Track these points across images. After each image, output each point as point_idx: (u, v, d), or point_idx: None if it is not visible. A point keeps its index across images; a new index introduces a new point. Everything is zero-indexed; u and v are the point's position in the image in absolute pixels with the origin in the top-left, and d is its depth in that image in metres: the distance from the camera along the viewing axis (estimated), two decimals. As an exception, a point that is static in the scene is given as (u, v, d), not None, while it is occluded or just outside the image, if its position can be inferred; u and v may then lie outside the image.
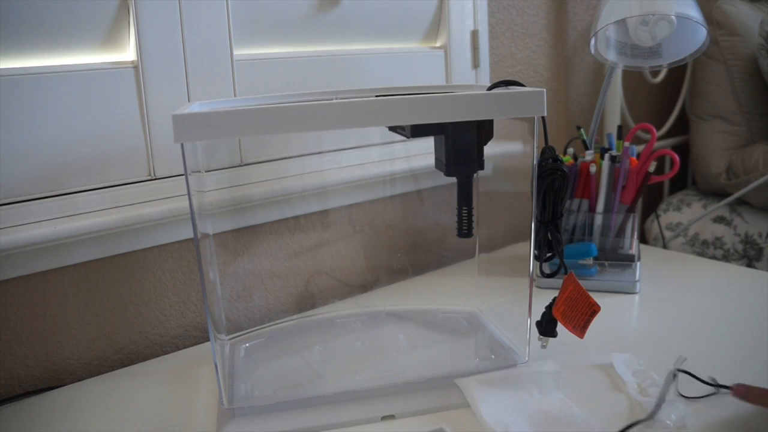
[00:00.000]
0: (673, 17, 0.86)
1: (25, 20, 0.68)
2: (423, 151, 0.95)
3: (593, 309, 0.62)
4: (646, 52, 0.95)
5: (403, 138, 0.65)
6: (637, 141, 1.36)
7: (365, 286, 0.96)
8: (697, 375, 0.62)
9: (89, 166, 0.73)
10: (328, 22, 0.89)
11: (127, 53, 0.75)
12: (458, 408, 0.61)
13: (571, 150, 0.99)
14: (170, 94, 0.77)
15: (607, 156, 0.92)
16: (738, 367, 0.66)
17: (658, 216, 1.33)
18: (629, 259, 0.93)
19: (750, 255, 1.17)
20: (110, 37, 0.74)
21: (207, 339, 0.83)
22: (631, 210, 0.93)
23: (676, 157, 0.91)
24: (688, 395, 0.60)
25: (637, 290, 0.89)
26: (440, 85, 0.97)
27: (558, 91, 1.23)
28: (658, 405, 0.57)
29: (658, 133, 1.39)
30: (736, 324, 0.75)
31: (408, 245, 1.00)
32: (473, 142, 0.63)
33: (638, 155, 0.95)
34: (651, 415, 0.56)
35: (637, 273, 0.90)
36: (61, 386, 0.71)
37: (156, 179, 0.78)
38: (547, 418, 0.57)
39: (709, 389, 0.61)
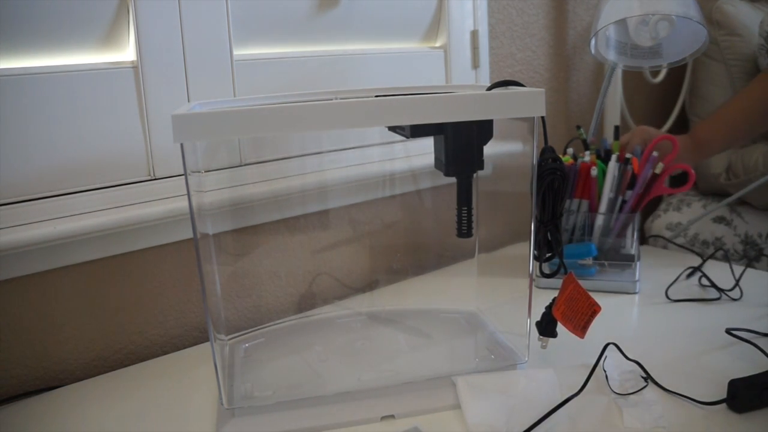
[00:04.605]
0: (673, 17, 0.86)
1: (25, 20, 0.68)
2: (423, 151, 0.95)
3: (593, 309, 0.62)
4: (646, 52, 0.95)
5: (403, 138, 0.65)
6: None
7: (365, 286, 0.96)
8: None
9: (89, 166, 0.73)
10: (328, 22, 0.89)
11: (127, 53, 0.75)
12: (457, 408, 0.61)
13: (570, 150, 0.99)
14: (170, 94, 0.77)
15: (614, 158, 0.92)
16: (738, 367, 0.66)
17: (658, 216, 1.32)
18: (629, 259, 0.93)
19: (750, 255, 1.17)
20: (110, 37, 0.74)
21: (207, 339, 0.83)
22: (633, 211, 0.93)
23: (692, 173, 0.92)
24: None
25: (637, 290, 0.89)
26: (440, 85, 0.97)
27: (558, 91, 1.23)
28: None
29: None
30: (735, 325, 0.75)
31: (408, 245, 1.00)
32: (473, 142, 0.63)
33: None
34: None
35: (637, 273, 0.90)
36: (60, 386, 0.71)
37: (156, 179, 0.78)
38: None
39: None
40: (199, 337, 0.84)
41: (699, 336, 0.74)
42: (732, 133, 1.03)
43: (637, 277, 0.89)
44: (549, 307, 0.67)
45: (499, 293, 0.81)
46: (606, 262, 0.93)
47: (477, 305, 0.82)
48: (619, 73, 1.27)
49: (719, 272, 0.91)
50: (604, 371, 0.65)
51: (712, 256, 1.01)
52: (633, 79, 1.34)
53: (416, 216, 1.00)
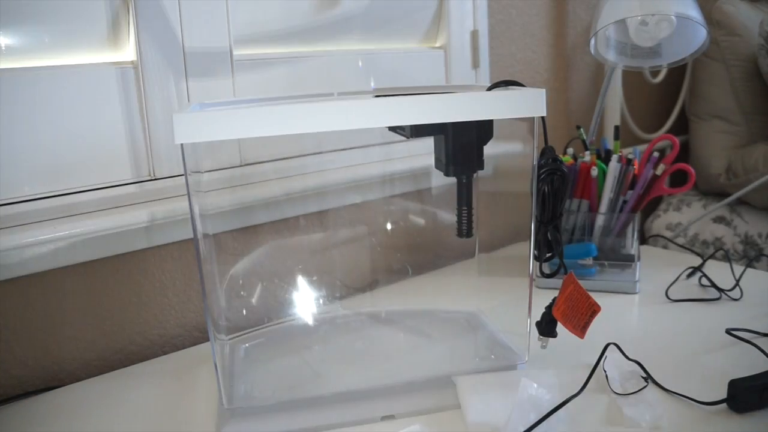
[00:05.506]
0: (673, 17, 0.86)
1: (26, 20, 0.68)
2: (423, 151, 0.95)
3: (593, 309, 0.62)
4: (646, 52, 0.95)
5: (403, 138, 0.65)
6: (636, 141, 1.36)
7: (365, 286, 0.96)
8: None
9: (89, 166, 0.73)
10: (328, 22, 0.89)
11: (127, 53, 0.75)
12: (457, 408, 0.61)
13: (570, 150, 0.99)
14: (170, 94, 0.77)
15: (614, 158, 0.92)
16: (738, 367, 0.66)
17: (658, 216, 1.33)
18: (629, 259, 0.93)
19: (750, 255, 1.17)
20: (110, 36, 0.74)
21: (207, 339, 0.83)
22: (633, 211, 0.93)
23: (692, 171, 0.92)
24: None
25: (637, 290, 0.89)
26: (440, 85, 0.97)
27: (558, 91, 1.23)
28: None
29: (658, 133, 1.39)
30: (735, 325, 0.75)
31: (408, 245, 1.00)
32: (473, 142, 0.63)
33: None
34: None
35: (637, 273, 0.90)
36: (60, 386, 0.71)
37: (156, 179, 0.78)
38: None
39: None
40: (199, 337, 0.84)
41: (699, 336, 0.74)
42: None
43: (637, 277, 0.89)
44: (549, 307, 0.67)
45: (499, 293, 0.81)
46: (606, 262, 0.93)
47: (477, 305, 0.82)
48: (619, 73, 1.27)
49: (719, 272, 0.91)
50: (605, 371, 0.65)
51: (712, 256, 1.01)
52: (633, 79, 1.34)
53: (416, 216, 1.00)
